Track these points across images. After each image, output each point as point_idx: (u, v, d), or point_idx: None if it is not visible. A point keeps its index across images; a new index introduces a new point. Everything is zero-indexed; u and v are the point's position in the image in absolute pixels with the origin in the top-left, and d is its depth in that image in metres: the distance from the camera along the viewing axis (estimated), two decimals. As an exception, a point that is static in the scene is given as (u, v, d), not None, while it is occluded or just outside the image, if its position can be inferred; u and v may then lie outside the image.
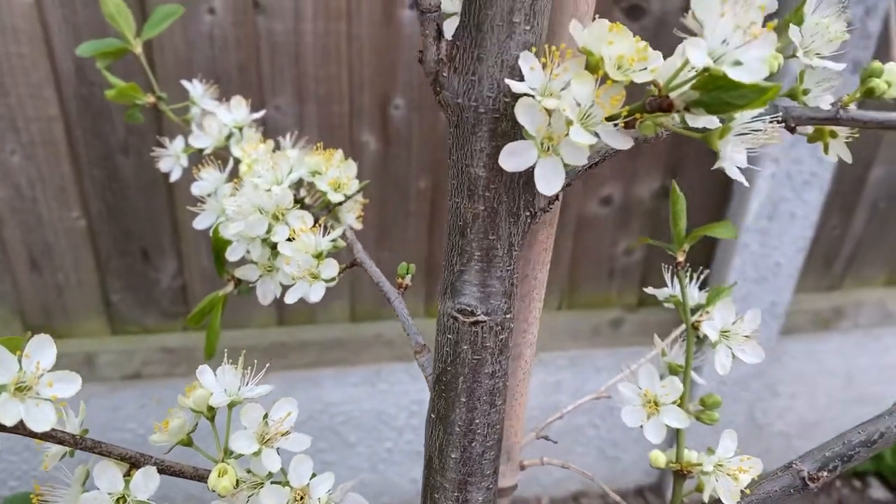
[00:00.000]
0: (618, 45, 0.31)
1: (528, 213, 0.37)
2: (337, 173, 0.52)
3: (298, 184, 0.55)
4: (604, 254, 1.66)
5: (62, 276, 1.44)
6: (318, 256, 0.49)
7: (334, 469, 1.70)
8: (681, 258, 0.47)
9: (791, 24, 0.40)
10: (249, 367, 0.44)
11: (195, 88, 0.73)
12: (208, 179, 0.58)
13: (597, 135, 0.32)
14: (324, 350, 1.58)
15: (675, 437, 0.48)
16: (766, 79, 0.28)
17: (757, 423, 1.93)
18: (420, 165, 1.46)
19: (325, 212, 0.54)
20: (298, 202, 0.54)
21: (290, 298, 0.49)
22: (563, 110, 0.31)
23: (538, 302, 0.45)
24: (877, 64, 0.41)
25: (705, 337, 0.47)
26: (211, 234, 0.56)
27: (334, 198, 0.52)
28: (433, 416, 0.42)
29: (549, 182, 0.33)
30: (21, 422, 0.33)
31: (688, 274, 0.48)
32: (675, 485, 0.46)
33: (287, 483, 0.43)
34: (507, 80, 0.33)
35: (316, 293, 0.48)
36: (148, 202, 1.41)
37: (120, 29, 0.76)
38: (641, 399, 0.45)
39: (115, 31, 0.78)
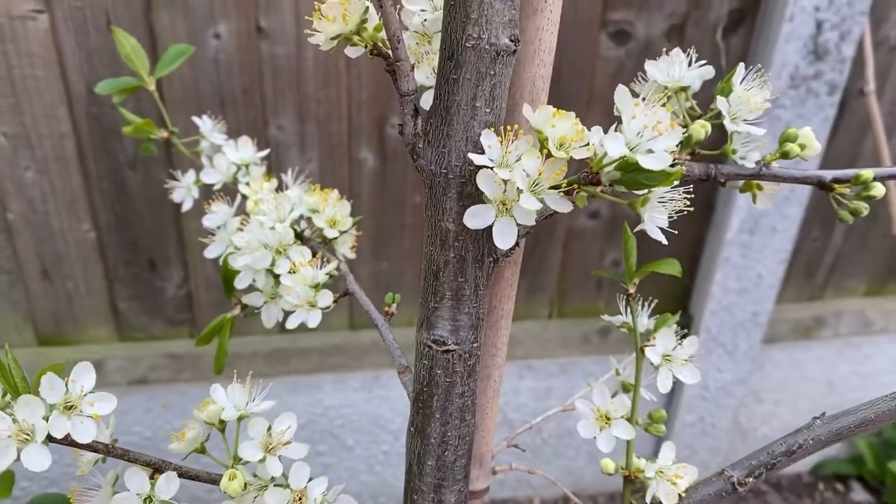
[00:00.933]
0: (560, 127, 0.38)
1: (491, 259, 0.44)
2: (333, 212, 0.59)
3: (299, 217, 0.62)
4: (592, 265, 1.72)
5: (72, 284, 1.50)
6: (316, 287, 0.56)
7: (333, 470, 1.77)
8: (632, 290, 0.54)
9: (719, 96, 0.47)
10: (255, 386, 0.51)
11: (205, 123, 0.80)
12: (218, 213, 0.65)
13: (542, 201, 0.39)
14: (324, 356, 1.64)
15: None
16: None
17: (741, 428, 1.99)
18: (415, 181, 1.53)
19: (322, 245, 0.61)
20: (298, 236, 0.61)
21: (290, 324, 0.56)
22: (514, 182, 0.38)
23: (505, 329, 0.52)
24: (791, 130, 0.48)
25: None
26: (220, 263, 0.63)
27: (330, 234, 0.59)
28: (412, 429, 0.49)
29: (504, 238, 0.40)
30: (68, 434, 0.40)
31: (640, 303, 0.55)
32: (624, 488, 0.53)
33: (288, 486, 0.50)
34: (471, 155, 0.40)
35: (313, 320, 0.55)
36: (154, 215, 1.47)
37: (135, 68, 0.83)
38: (595, 414, 0.52)
39: (130, 68, 0.85)
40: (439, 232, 0.43)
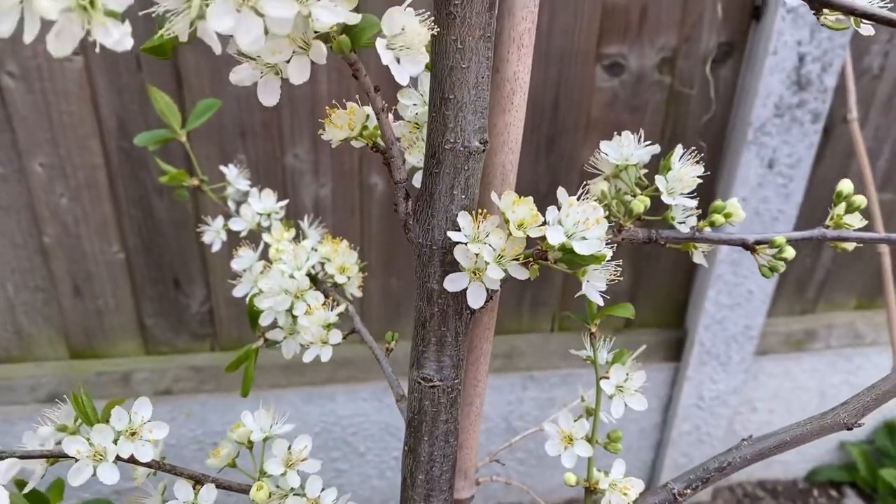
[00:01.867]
0: (519, 211, 0.49)
1: (468, 312, 0.54)
2: (342, 260, 0.70)
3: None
4: (590, 282, 1.81)
5: (102, 302, 1.59)
6: (328, 327, 0.67)
7: (346, 476, 1.87)
8: (594, 329, 0.64)
9: (658, 175, 0.57)
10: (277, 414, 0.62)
11: (231, 171, 0.91)
12: (244, 258, 0.75)
13: (506, 270, 0.49)
14: (336, 368, 1.73)
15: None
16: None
17: (737, 436, 2.07)
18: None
19: (333, 288, 0.71)
20: (313, 279, 0.71)
21: (307, 358, 0.66)
22: (482, 255, 0.48)
23: (484, 365, 0.62)
24: (719, 202, 0.58)
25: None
26: (246, 301, 0.73)
27: (340, 279, 0.69)
28: (406, 448, 0.60)
29: (475, 299, 0.50)
30: (132, 455, 0.51)
31: (601, 340, 0.65)
32: (586, 498, 0.63)
33: (304, 494, 0.61)
34: (450, 233, 0.50)
35: (325, 354, 0.66)
36: (179, 238, 1.56)
37: (169, 122, 0.93)
38: (560, 435, 0.62)
39: (160, 118, 0.95)
40: (426, 291, 0.53)
